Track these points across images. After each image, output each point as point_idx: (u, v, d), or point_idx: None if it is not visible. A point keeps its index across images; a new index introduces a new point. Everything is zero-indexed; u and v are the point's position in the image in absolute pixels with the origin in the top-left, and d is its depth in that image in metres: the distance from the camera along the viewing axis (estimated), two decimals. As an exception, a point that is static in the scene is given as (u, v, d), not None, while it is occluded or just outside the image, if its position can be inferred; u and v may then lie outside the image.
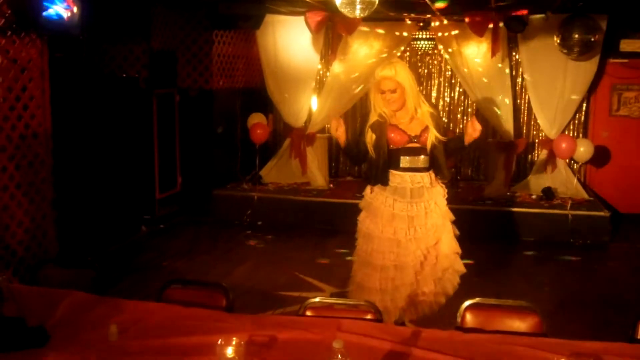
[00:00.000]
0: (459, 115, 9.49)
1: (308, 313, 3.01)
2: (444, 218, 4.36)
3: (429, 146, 4.23)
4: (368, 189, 4.40)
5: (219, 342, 2.25)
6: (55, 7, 4.98)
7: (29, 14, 4.88)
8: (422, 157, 4.25)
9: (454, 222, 4.46)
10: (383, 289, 4.25)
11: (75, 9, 5.12)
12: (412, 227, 4.24)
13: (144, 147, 7.80)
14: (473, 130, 4.12)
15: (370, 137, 4.23)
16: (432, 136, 4.22)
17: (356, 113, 8.99)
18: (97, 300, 3.00)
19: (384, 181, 4.27)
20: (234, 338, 2.28)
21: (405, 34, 8.64)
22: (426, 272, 4.30)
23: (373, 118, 4.25)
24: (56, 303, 2.88)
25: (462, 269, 4.44)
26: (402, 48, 8.94)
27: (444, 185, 4.44)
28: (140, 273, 6.30)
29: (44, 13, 4.89)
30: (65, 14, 5.06)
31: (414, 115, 4.26)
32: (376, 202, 4.30)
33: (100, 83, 7.15)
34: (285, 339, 2.61)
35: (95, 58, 7.34)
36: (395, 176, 4.26)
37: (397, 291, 4.26)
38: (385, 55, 8.64)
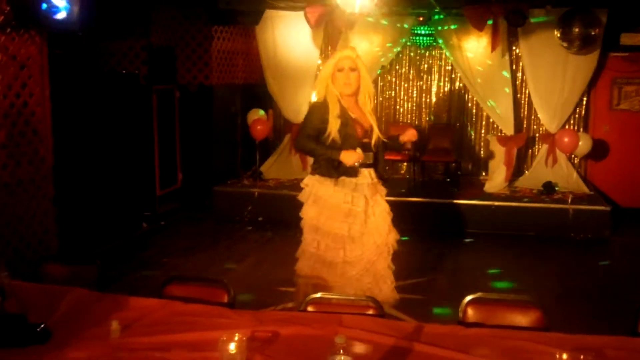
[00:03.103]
0: (459, 113, 9.48)
1: (310, 309, 3.00)
2: (388, 214, 4.34)
3: (373, 143, 4.21)
4: (318, 182, 4.25)
5: (221, 338, 2.25)
6: (54, 3, 4.96)
7: (28, 10, 4.87)
8: (371, 153, 4.23)
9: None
10: (332, 285, 4.20)
11: (74, 6, 5.10)
12: (365, 223, 4.23)
13: (144, 143, 7.79)
14: (411, 137, 4.20)
15: (335, 125, 4.09)
16: (376, 134, 4.22)
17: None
18: (99, 297, 3.00)
19: (351, 173, 4.16)
20: (236, 334, 2.28)
21: (406, 26, 8.63)
22: (377, 266, 4.31)
23: (334, 104, 4.11)
24: (58, 300, 2.88)
25: (392, 265, 4.45)
26: (403, 41, 8.91)
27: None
28: (141, 269, 6.30)
29: (43, 9, 4.88)
30: (65, 11, 5.04)
31: (363, 111, 4.24)
32: (334, 198, 4.19)
33: (100, 79, 7.14)
34: (287, 335, 2.61)
35: (94, 54, 7.33)
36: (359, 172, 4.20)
37: (346, 286, 4.22)
38: (389, 45, 8.65)
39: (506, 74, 8.49)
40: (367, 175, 4.24)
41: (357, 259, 4.24)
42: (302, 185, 4.40)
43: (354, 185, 4.20)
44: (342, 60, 4.14)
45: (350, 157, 4.07)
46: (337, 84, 4.15)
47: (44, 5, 4.87)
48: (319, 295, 3.08)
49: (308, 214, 4.30)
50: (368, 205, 4.24)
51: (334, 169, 4.17)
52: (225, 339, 2.25)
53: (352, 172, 4.18)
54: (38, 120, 5.32)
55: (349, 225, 4.19)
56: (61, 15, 5.01)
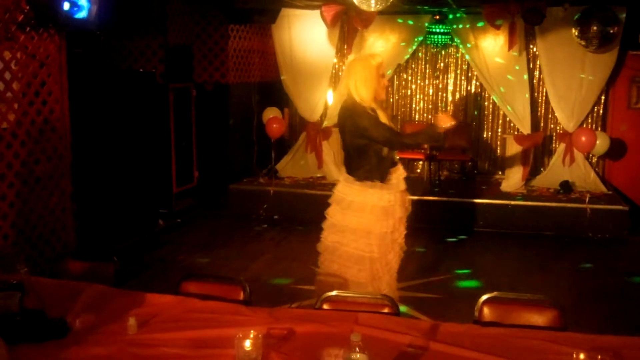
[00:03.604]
0: (476, 111, 9.43)
1: (325, 306, 3.01)
2: (407, 211, 4.44)
3: None
4: (372, 188, 4.20)
5: (237, 335, 2.26)
6: (76, 2, 5.01)
7: (47, 9, 4.92)
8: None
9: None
10: (354, 281, 4.21)
11: (93, 5, 5.15)
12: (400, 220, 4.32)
13: (161, 141, 7.84)
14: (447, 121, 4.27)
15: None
16: None
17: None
18: (116, 293, 3.03)
19: (389, 177, 4.23)
20: (252, 331, 2.30)
21: (423, 24, 8.61)
22: (393, 264, 4.38)
23: (375, 106, 4.20)
24: (76, 295, 2.91)
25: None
26: (419, 39, 8.88)
27: None
28: (157, 266, 6.35)
29: (63, 9, 4.93)
30: (84, 10, 5.09)
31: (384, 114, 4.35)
32: (383, 201, 4.17)
33: (118, 78, 7.20)
34: (303, 332, 2.62)
35: (112, 53, 7.39)
36: (396, 170, 4.29)
37: (376, 282, 4.27)
38: (405, 44, 8.64)
39: (524, 73, 8.43)
40: (403, 171, 4.34)
41: (384, 255, 4.27)
42: (346, 195, 4.31)
43: (397, 184, 4.26)
44: (381, 67, 4.24)
45: (448, 119, 4.26)
46: (380, 89, 4.25)
47: (66, 5, 4.91)
48: (334, 293, 3.09)
49: (370, 221, 4.22)
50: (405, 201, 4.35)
51: (386, 172, 4.23)
52: (241, 336, 2.27)
53: (396, 171, 4.28)
54: (57, 118, 5.38)
55: (393, 223, 4.25)
56: (81, 14, 5.06)
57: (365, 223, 4.21)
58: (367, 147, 4.18)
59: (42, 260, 5.25)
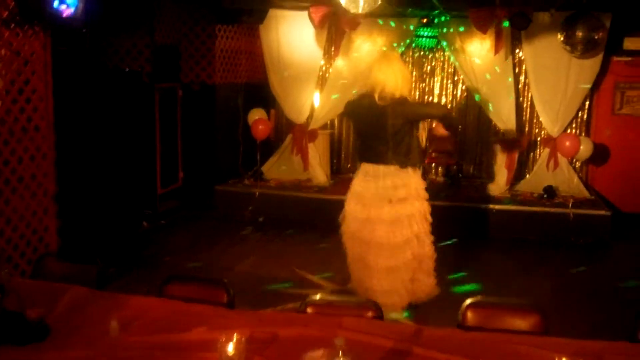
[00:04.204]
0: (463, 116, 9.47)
1: (309, 310, 3.00)
2: None
3: None
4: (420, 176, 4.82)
5: (220, 339, 2.25)
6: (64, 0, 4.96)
7: (32, 6, 4.86)
8: None
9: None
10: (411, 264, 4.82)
11: (80, 2, 5.10)
12: None
13: (146, 141, 7.79)
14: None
15: None
16: None
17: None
18: (98, 295, 3.00)
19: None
20: (235, 334, 2.28)
21: (410, 28, 8.62)
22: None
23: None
24: (57, 297, 2.88)
25: None
26: (406, 42, 8.90)
27: None
28: (141, 268, 6.31)
29: (51, 6, 4.87)
30: (71, 7, 5.04)
31: None
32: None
33: (103, 76, 7.14)
34: (286, 336, 2.61)
35: (98, 51, 7.33)
36: None
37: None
38: (387, 49, 8.63)
39: (509, 77, 8.48)
40: None
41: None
42: (412, 184, 4.74)
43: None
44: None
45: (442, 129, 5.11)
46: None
47: (55, 2, 4.86)
48: (318, 297, 3.08)
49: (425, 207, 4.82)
50: None
51: (422, 158, 4.85)
52: (224, 339, 2.25)
53: None
54: (40, 117, 5.32)
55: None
56: (68, 11, 5.01)
57: (417, 206, 4.71)
58: (411, 135, 4.65)
59: (23, 261, 5.18)
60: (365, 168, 4.79)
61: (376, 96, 4.62)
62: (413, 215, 4.62)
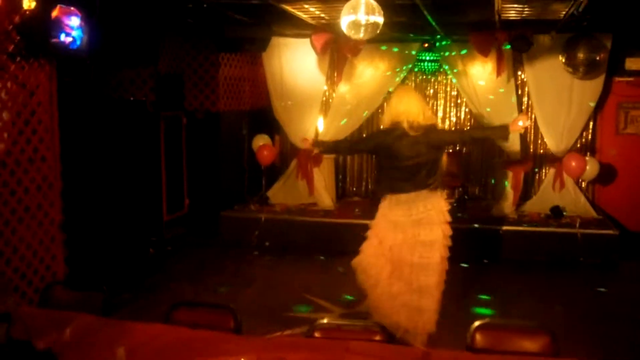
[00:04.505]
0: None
1: (316, 334, 2.98)
2: None
3: None
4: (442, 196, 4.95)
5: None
6: (63, 31, 5.03)
7: (37, 39, 4.93)
8: None
9: None
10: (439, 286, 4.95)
11: (84, 34, 5.17)
12: None
13: (151, 169, 7.83)
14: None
15: None
16: None
17: (362, 133, 9.03)
18: (105, 323, 3.00)
19: None
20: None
21: (412, 52, 8.69)
22: None
23: None
24: (64, 325, 2.87)
25: None
26: (409, 67, 8.96)
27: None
28: (147, 295, 6.29)
29: (54, 39, 4.94)
30: (74, 39, 5.11)
31: None
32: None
33: (108, 106, 7.21)
34: (294, 361, 2.60)
35: (103, 82, 7.40)
36: None
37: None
38: (389, 74, 8.72)
39: (512, 99, 8.51)
40: None
41: None
42: (441, 207, 4.88)
43: None
44: None
45: (526, 117, 5.14)
46: None
47: (54, 35, 4.93)
48: (325, 321, 3.07)
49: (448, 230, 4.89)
50: None
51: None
52: (231, 365, 2.24)
53: None
54: (46, 147, 5.36)
55: None
56: (71, 43, 5.08)
57: (444, 228, 4.83)
58: (439, 160, 4.91)
59: (30, 290, 5.18)
60: (397, 198, 4.91)
61: (406, 126, 4.79)
62: (439, 238, 4.82)
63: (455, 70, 8.68)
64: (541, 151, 9.07)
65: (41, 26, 4.91)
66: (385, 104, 9.46)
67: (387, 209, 4.96)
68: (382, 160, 5.07)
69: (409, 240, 4.79)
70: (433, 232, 4.79)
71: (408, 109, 4.83)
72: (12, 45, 4.90)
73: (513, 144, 8.46)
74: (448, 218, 4.88)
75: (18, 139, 5.09)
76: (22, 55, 5.00)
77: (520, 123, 4.93)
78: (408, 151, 4.79)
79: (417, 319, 4.75)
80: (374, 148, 5.10)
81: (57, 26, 4.93)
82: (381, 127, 5.28)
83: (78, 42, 5.15)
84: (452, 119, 9.52)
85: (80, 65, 6.33)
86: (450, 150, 8.90)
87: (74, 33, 5.09)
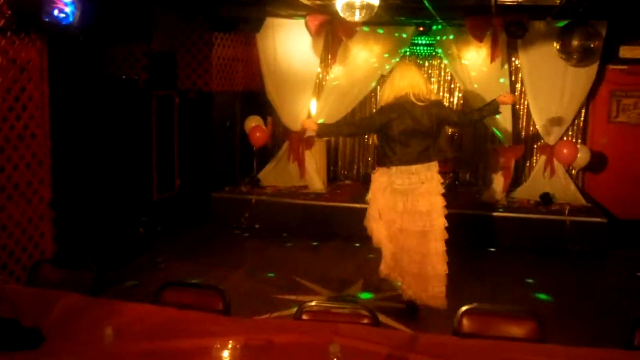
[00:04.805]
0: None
1: (304, 317, 2.99)
2: None
3: None
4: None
5: (215, 346, 2.24)
6: (56, 7, 4.96)
7: (29, 14, 4.87)
8: None
9: None
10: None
11: (77, 10, 5.11)
12: None
13: (142, 148, 7.79)
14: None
15: None
16: None
17: (355, 116, 9.01)
18: (93, 302, 3.00)
19: None
20: (230, 341, 2.28)
21: (406, 36, 8.65)
22: None
23: None
24: (52, 304, 2.86)
25: None
26: (403, 51, 8.92)
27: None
28: (137, 275, 6.29)
29: (47, 14, 4.88)
30: (66, 15, 5.05)
31: None
32: None
33: (100, 84, 7.14)
34: (282, 343, 2.60)
35: (94, 59, 7.33)
36: None
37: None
38: (385, 56, 8.68)
39: (504, 80, 8.50)
40: None
41: None
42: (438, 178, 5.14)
43: None
44: None
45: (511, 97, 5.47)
46: None
47: (46, 10, 4.87)
48: (313, 303, 3.08)
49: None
50: None
51: None
52: (218, 346, 2.25)
53: None
54: (36, 124, 5.32)
55: None
56: (62, 19, 5.02)
57: (441, 199, 5.15)
58: (439, 135, 5.18)
59: (18, 268, 5.17)
60: (401, 169, 5.08)
61: (413, 99, 4.98)
62: (439, 207, 5.13)
63: (449, 55, 8.65)
64: (532, 138, 9.08)
65: (33, 1, 4.86)
66: (379, 87, 9.48)
67: (387, 182, 5.13)
68: (388, 133, 5.09)
69: (409, 209, 5.04)
70: (433, 200, 5.07)
71: (412, 82, 5.03)
72: (2, 20, 4.84)
73: (505, 130, 8.47)
74: (442, 190, 5.13)
75: (8, 116, 5.05)
76: (13, 30, 4.95)
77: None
78: (421, 118, 4.99)
79: (432, 284, 5.17)
80: (386, 124, 5.07)
81: (49, 1, 4.87)
82: (381, 104, 5.30)
83: (70, 18, 5.10)
84: (445, 103, 9.49)
85: (72, 42, 6.27)
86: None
87: (67, 9, 5.03)
